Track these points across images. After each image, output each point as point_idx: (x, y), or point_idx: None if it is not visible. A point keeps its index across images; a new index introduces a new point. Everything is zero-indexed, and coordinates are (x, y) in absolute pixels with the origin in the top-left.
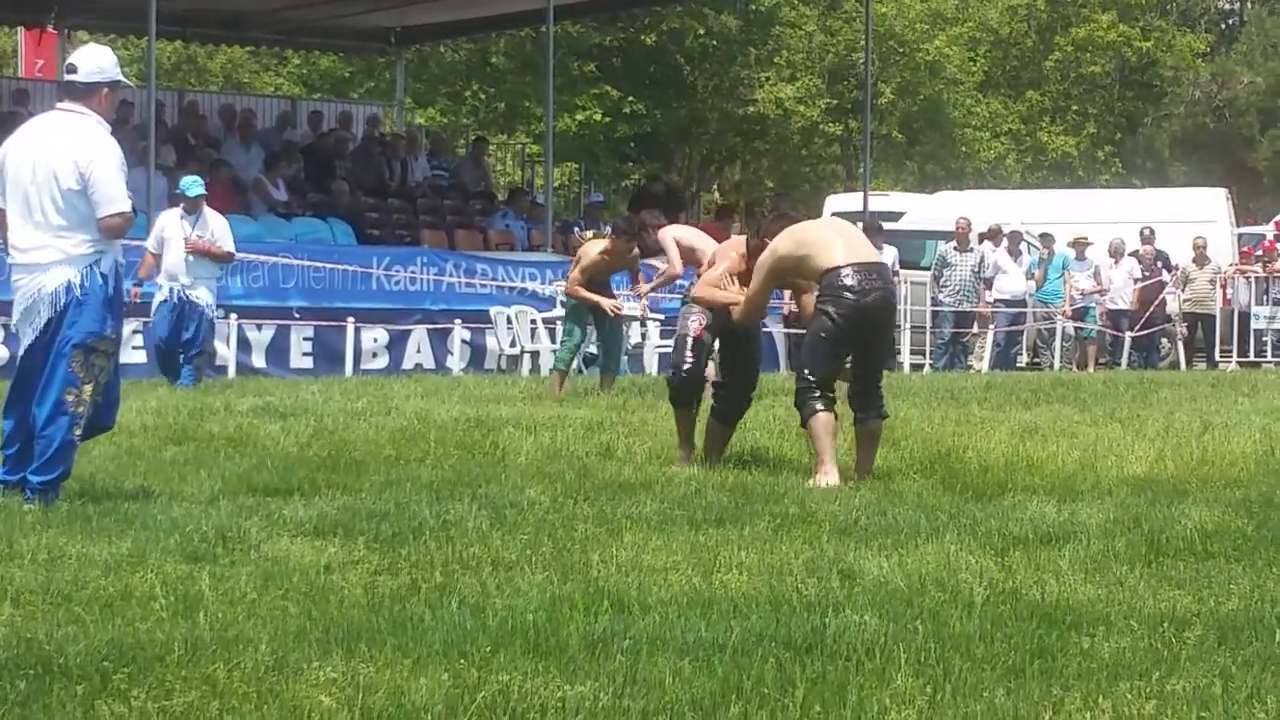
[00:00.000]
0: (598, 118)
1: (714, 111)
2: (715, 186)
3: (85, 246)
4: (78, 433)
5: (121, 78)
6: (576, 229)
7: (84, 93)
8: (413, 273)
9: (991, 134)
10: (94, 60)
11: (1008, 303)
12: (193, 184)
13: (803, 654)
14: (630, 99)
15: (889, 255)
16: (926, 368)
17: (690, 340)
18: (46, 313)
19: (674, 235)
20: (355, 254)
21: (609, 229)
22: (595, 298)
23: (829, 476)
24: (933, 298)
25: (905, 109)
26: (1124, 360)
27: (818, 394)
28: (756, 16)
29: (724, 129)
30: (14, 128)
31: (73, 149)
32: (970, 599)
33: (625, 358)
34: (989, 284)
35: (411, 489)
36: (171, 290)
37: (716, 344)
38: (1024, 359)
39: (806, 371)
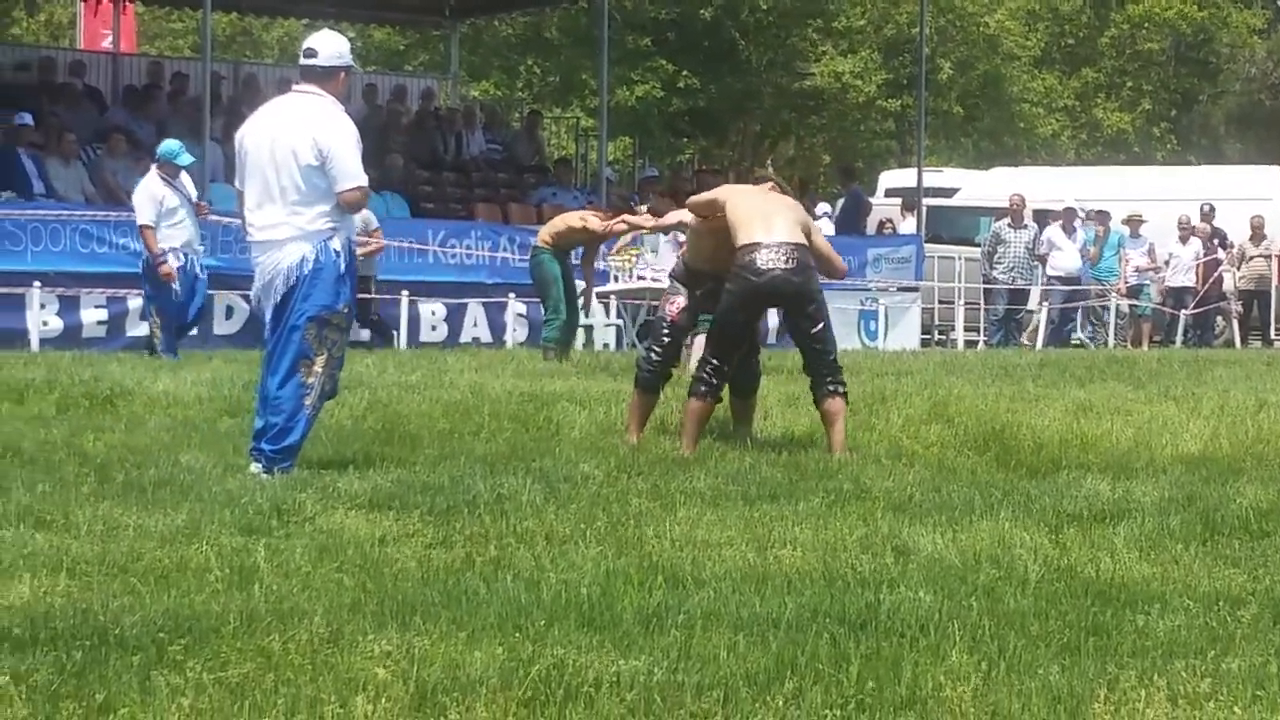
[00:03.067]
0: (656, 93)
1: (769, 86)
2: (769, 162)
3: (321, 222)
4: (310, 403)
5: (353, 62)
6: (632, 202)
7: (322, 76)
8: (468, 246)
9: (1047, 110)
10: (333, 45)
11: (1062, 280)
12: (181, 150)
13: (857, 630)
14: (685, 73)
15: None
16: (980, 344)
17: (666, 323)
18: (283, 287)
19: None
20: (410, 228)
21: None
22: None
23: (683, 450)
24: (986, 274)
25: (963, 84)
26: (1179, 338)
27: (705, 376)
28: None
29: (779, 104)
30: (70, 99)
31: (312, 127)
32: (1025, 576)
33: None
34: (1043, 261)
35: (466, 463)
36: (187, 258)
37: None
38: (1078, 336)
39: (706, 350)
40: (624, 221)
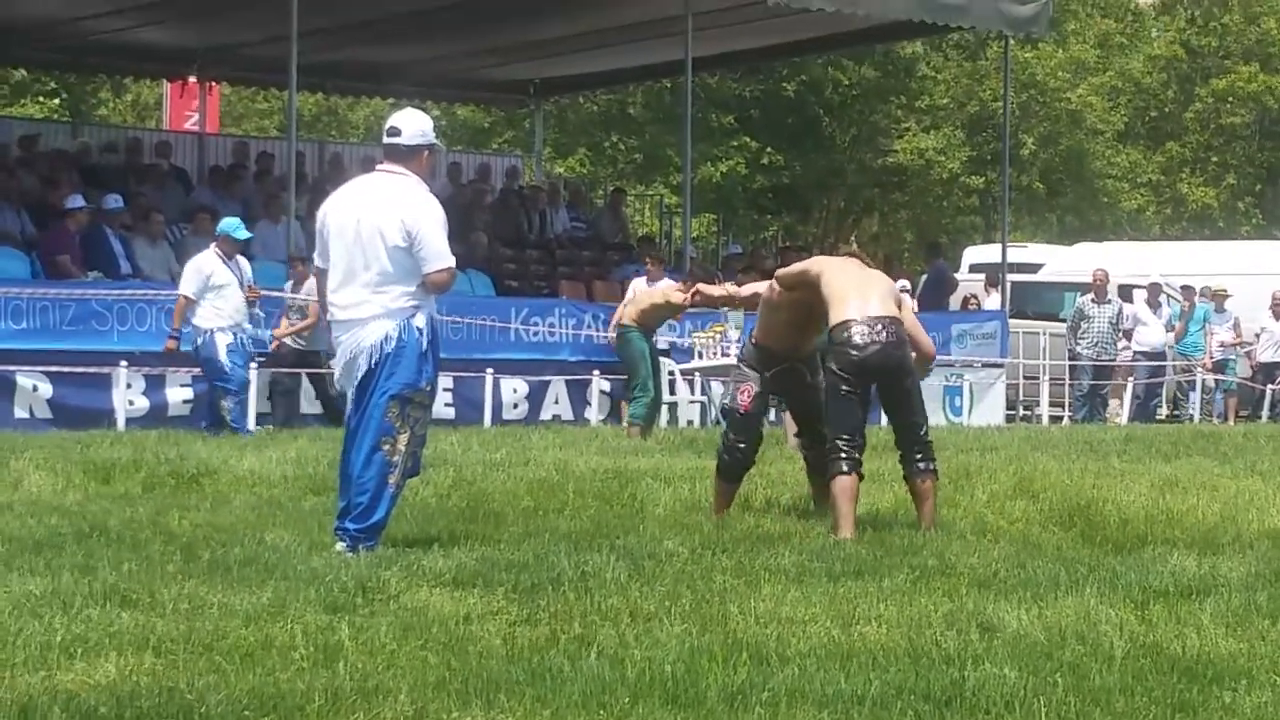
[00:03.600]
0: (740, 169)
1: (852, 162)
2: (853, 238)
3: (404, 300)
4: (393, 481)
5: (437, 140)
6: (716, 277)
7: (406, 154)
8: (551, 324)
9: (1131, 185)
10: (417, 124)
11: (1147, 355)
12: (238, 226)
13: (942, 707)
14: (769, 150)
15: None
16: (1065, 419)
17: (740, 413)
18: (365, 365)
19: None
20: (494, 306)
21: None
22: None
23: (844, 533)
24: (1070, 349)
25: (1046, 160)
26: (1265, 412)
27: (842, 455)
28: (896, 66)
29: (862, 180)
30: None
31: (399, 208)
32: (1110, 652)
33: None
34: (1128, 336)
35: (550, 540)
36: (236, 335)
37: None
38: (1164, 411)
39: (829, 431)
40: (699, 292)
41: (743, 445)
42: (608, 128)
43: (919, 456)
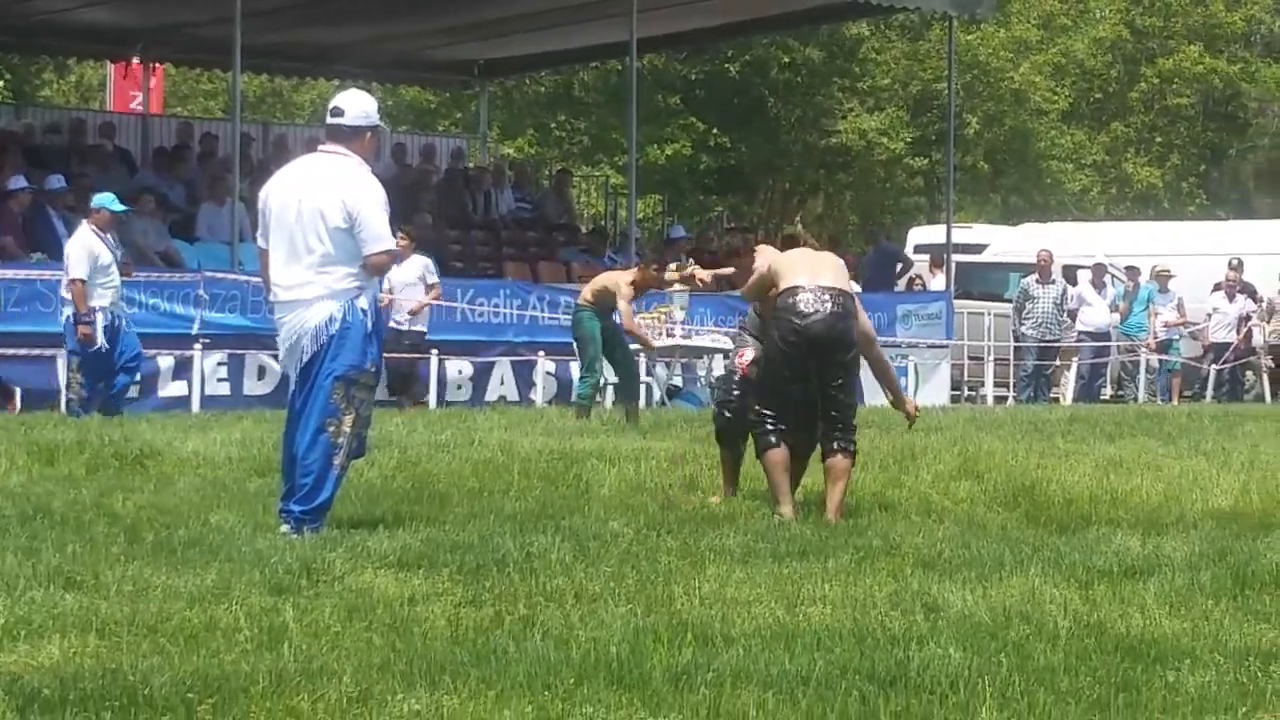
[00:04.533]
0: (686, 151)
1: (797, 144)
2: (798, 219)
3: (348, 281)
4: (338, 462)
5: (381, 121)
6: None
7: (349, 135)
8: (496, 305)
9: (1076, 165)
10: (360, 105)
11: (1092, 335)
12: (114, 200)
13: (886, 687)
14: (714, 132)
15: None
16: (1010, 400)
17: (737, 376)
18: (310, 347)
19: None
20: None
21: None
22: (643, 336)
23: (782, 509)
24: (1015, 330)
25: (990, 140)
26: (1209, 392)
27: (768, 427)
28: (840, 47)
29: (807, 161)
30: (99, 160)
31: (340, 189)
32: (1054, 632)
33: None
34: (1073, 316)
35: (495, 521)
36: (114, 316)
37: None
38: (1107, 392)
39: (756, 402)
40: (639, 338)
41: (733, 403)
42: (554, 109)
43: (839, 434)
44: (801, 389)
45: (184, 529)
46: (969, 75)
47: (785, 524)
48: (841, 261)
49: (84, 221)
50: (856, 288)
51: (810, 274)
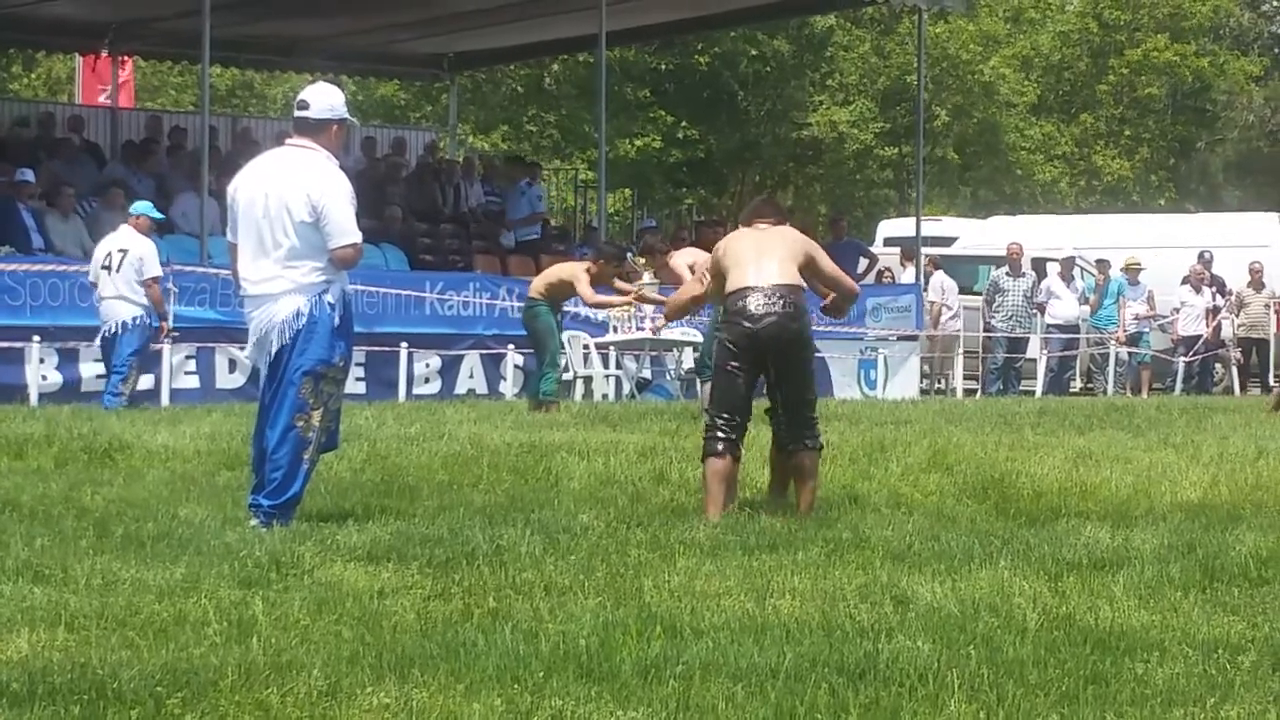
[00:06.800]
0: (656, 144)
1: (767, 136)
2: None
3: (315, 275)
4: (308, 456)
5: (348, 115)
6: (629, 254)
7: (315, 129)
8: (465, 298)
9: (1045, 158)
10: (326, 99)
11: (1061, 328)
12: (151, 206)
13: (856, 680)
14: (684, 125)
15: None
16: (979, 392)
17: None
18: (278, 341)
19: (684, 260)
20: (408, 279)
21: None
22: (611, 301)
23: (710, 515)
24: (985, 323)
25: (960, 132)
26: (1178, 385)
27: (720, 435)
28: (809, 40)
29: (777, 154)
30: (67, 153)
31: (305, 183)
32: (1024, 625)
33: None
34: (1042, 309)
35: (464, 514)
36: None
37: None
38: (1077, 384)
39: (708, 406)
40: (609, 304)
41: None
42: (525, 103)
43: (805, 432)
44: (746, 382)
45: (153, 522)
46: (938, 68)
47: (756, 518)
48: (797, 241)
49: (125, 225)
50: (817, 251)
51: (758, 268)
